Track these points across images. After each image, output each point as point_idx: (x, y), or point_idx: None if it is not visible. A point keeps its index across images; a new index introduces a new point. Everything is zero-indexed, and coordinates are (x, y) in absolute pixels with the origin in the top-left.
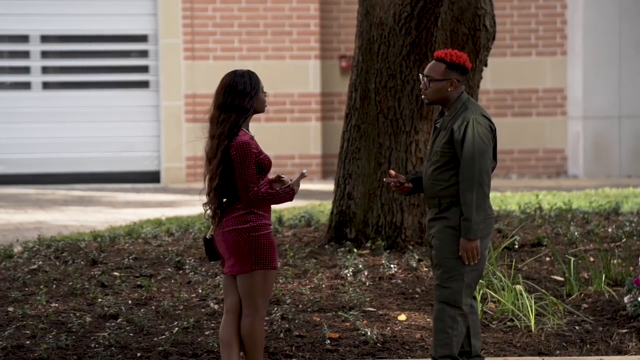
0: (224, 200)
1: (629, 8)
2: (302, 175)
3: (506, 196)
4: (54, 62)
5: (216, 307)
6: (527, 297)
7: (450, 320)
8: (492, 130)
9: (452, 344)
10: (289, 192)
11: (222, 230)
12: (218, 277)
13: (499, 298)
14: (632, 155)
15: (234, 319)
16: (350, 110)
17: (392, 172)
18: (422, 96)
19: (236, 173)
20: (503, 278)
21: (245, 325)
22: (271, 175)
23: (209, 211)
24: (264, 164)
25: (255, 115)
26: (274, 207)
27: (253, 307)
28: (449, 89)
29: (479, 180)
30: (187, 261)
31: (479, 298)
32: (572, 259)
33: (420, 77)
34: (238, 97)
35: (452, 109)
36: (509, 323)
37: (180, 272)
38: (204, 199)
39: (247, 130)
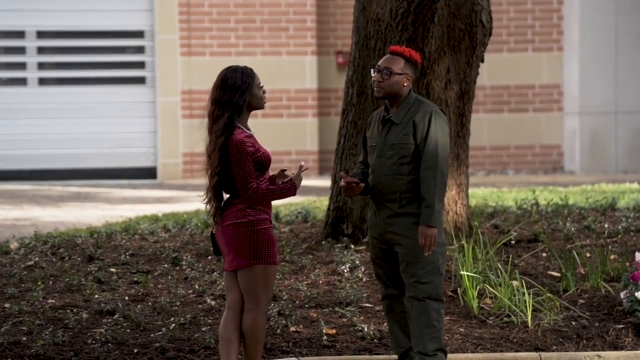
0: (226, 196)
1: (625, 3)
2: (302, 168)
3: (503, 192)
4: (50, 58)
5: (213, 303)
6: (524, 293)
7: (435, 313)
8: (448, 123)
9: (440, 337)
10: (290, 188)
11: (222, 225)
12: (215, 273)
13: (496, 294)
14: (628, 151)
15: (234, 316)
16: (347, 106)
17: (342, 174)
18: (376, 89)
19: (234, 170)
20: (500, 274)
21: (247, 320)
22: (273, 171)
23: (210, 208)
24: (263, 160)
25: (253, 112)
26: (276, 203)
27: (255, 302)
28: (405, 84)
29: (441, 170)
30: (184, 257)
31: (475, 294)
32: (572, 253)
33: (372, 70)
34: (228, 91)
35: (404, 104)
36: (505, 319)
37: (177, 268)
38: (204, 194)
39: (245, 127)
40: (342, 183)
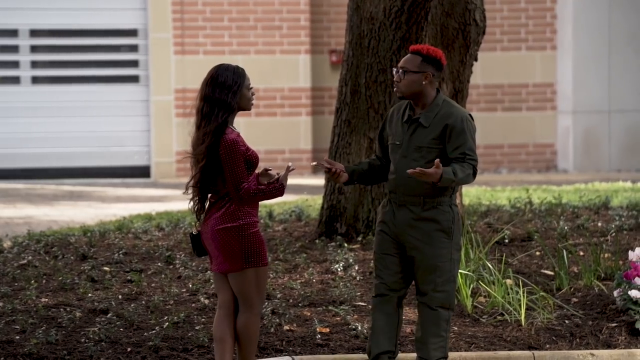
0: (209, 195)
1: (619, 1)
2: (289, 169)
3: (496, 190)
4: (43, 57)
5: (207, 302)
6: (517, 292)
7: (445, 323)
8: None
9: (446, 346)
10: (279, 188)
11: (212, 229)
12: (208, 272)
13: (490, 292)
14: (621, 149)
15: (227, 315)
16: (341, 104)
17: (327, 160)
18: (395, 89)
19: (226, 171)
20: (493, 272)
21: (241, 321)
22: (258, 169)
23: (193, 205)
24: (252, 159)
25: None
26: (264, 202)
27: (248, 304)
28: (424, 82)
29: (473, 166)
30: (178, 256)
31: (469, 292)
32: (565, 252)
33: (394, 70)
34: (218, 89)
35: (432, 105)
36: (499, 317)
37: (171, 267)
38: (191, 193)
39: (232, 126)
40: (323, 168)
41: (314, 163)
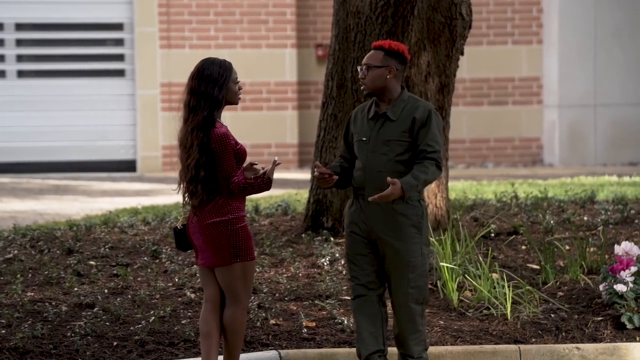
0: (204, 191)
1: None
2: (275, 163)
3: (482, 185)
4: (28, 51)
5: (193, 296)
6: (503, 286)
7: (420, 317)
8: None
9: (425, 339)
10: (267, 182)
11: (201, 223)
12: (195, 266)
13: (476, 286)
14: (607, 143)
15: (213, 309)
16: (327, 99)
17: (317, 164)
18: (362, 87)
19: (218, 166)
20: (479, 266)
21: (228, 315)
22: (245, 163)
23: (194, 200)
24: (241, 154)
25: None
26: (250, 196)
27: (235, 299)
28: (388, 77)
29: (437, 163)
30: (164, 250)
31: (455, 286)
32: (551, 246)
33: (359, 68)
34: (204, 82)
35: (399, 101)
36: (485, 311)
37: (157, 261)
38: (179, 188)
39: (220, 121)
40: (315, 173)
41: (317, 164)
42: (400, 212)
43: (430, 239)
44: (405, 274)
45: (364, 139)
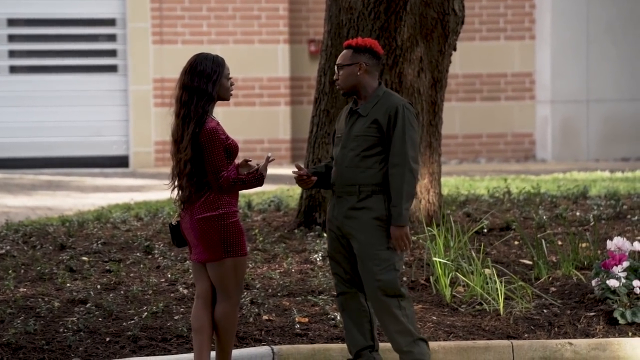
0: (194, 186)
1: None
2: (268, 159)
3: (475, 180)
4: (21, 46)
5: (185, 291)
6: (496, 281)
7: (398, 309)
8: (417, 121)
9: (410, 330)
10: (259, 178)
11: (192, 218)
12: (187, 261)
13: (468, 282)
14: (599, 139)
15: (204, 305)
16: (320, 94)
17: (299, 165)
18: (337, 87)
19: (205, 159)
20: (472, 262)
21: (219, 311)
22: (238, 160)
23: (182, 195)
24: (232, 148)
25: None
26: (243, 192)
27: (226, 294)
28: (358, 73)
29: (410, 167)
30: (156, 246)
31: (447, 282)
32: (544, 241)
33: (336, 70)
34: (197, 77)
35: (373, 97)
36: (477, 307)
37: (149, 256)
38: (171, 183)
39: (212, 115)
40: (294, 175)
41: (295, 167)
42: (365, 206)
43: (424, 234)
44: (370, 267)
45: (339, 135)
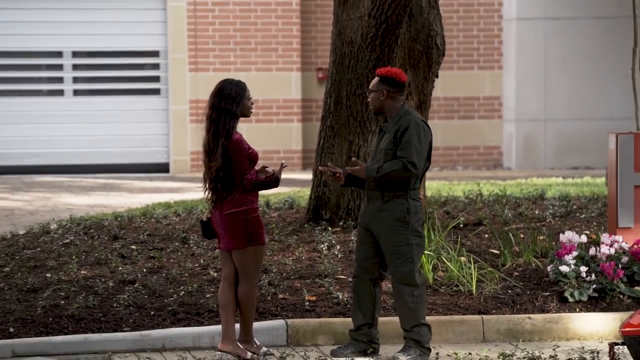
0: (223, 188)
1: (552, 31)
2: (282, 166)
3: (453, 184)
4: (82, 74)
5: (215, 274)
6: (470, 267)
7: (410, 297)
8: (429, 135)
9: (416, 314)
10: (275, 181)
11: (221, 213)
12: (216, 250)
13: (447, 267)
14: (554, 151)
15: (229, 286)
16: (326, 113)
17: (329, 165)
18: (369, 105)
19: (233, 166)
20: (450, 251)
21: (242, 291)
22: (258, 166)
23: (212, 196)
24: (253, 157)
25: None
26: (262, 192)
27: (247, 277)
28: (381, 98)
29: (411, 161)
30: (191, 237)
31: (430, 267)
32: (509, 234)
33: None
34: (224, 99)
35: (395, 116)
36: (454, 288)
37: (186, 246)
38: (203, 185)
39: (237, 130)
40: (327, 172)
41: (321, 168)
42: (386, 208)
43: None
44: (392, 261)
45: (372, 149)
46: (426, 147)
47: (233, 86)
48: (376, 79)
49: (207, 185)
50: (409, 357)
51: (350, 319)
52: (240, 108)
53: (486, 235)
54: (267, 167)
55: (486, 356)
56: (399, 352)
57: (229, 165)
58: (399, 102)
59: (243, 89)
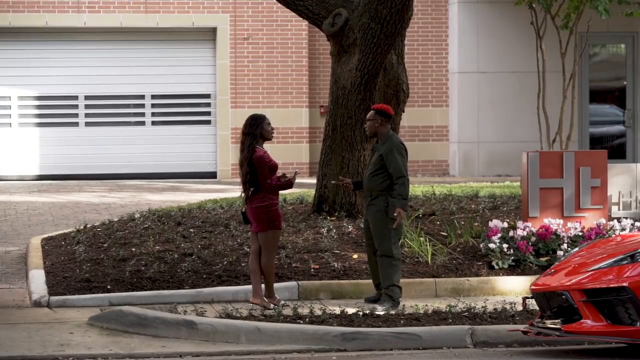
0: (251, 189)
1: (483, 81)
2: (296, 173)
3: (415, 187)
4: (158, 110)
5: (247, 249)
6: (427, 245)
7: (387, 265)
8: (405, 150)
9: (392, 277)
10: (289, 184)
11: (250, 206)
12: (249, 232)
13: (411, 245)
14: (485, 163)
15: (255, 257)
16: (326, 137)
17: (340, 178)
18: (366, 131)
19: (258, 174)
20: (413, 234)
21: (264, 262)
22: (278, 173)
23: (244, 196)
24: (273, 167)
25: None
26: (281, 192)
27: (268, 251)
28: (376, 125)
29: (403, 178)
30: (232, 223)
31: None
32: (454, 222)
33: (366, 120)
34: (248, 127)
35: (382, 139)
36: (415, 259)
37: (228, 229)
38: (240, 188)
39: (262, 147)
40: (341, 183)
41: (333, 182)
42: (373, 203)
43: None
44: (376, 239)
45: (368, 162)
46: (406, 158)
47: (255, 118)
48: (372, 112)
49: (242, 188)
50: (384, 307)
51: (342, 281)
52: (260, 131)
53: (438, 222)
54: (284, 174)
55: (437, 306)
56: (374, 301)
57: (255, 173)
58: (387, 128)
59: (262, 119)
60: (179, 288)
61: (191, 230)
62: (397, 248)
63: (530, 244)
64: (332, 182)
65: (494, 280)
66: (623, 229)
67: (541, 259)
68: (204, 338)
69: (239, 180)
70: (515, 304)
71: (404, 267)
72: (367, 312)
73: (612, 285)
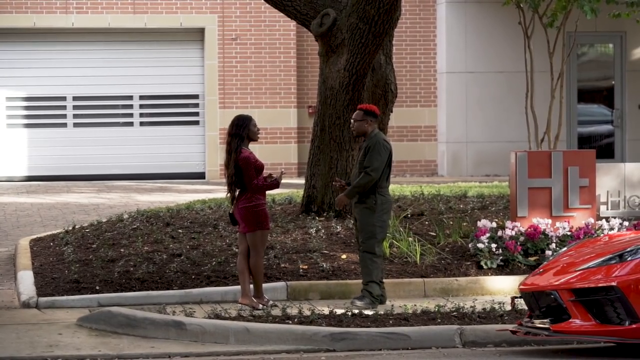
0: (238, 190)
1: (471, 81)
2: (282, 173)
3: (403, 187)
4: (146, 110)
5: (236, 250)
6: (415, 244)
7: (369, 261)
8: (389, 149)
9: (371, 273)
10: (276, 184)
11: (238, 207)
12: (237, 233)
13: (399, 245)
14: (473, 163)
15: (244, 258)
16: (314, 137)
17: (337, 179)
18: (353, 131)
19: (244, 175)
20: (402, 233)
21: (252, 262)
22: (265, 173)
23: (230, 196)
24: (259, 167)
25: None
26: (269, 192)
27: (256, 252)
28: (365, 126)
29: (370, 173)
30: (220, 224)
31: (388, 245)
32: (442, 222)
33: (352, 121)
34: (234, 127)
35: (368, 139)
36: (404, 259)
37: (216, 230)
38: (226, 189)
39: (248, 148)
40: (336, 184)
41: (335, 182)
42: (361, 201)
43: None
44: (361, 235)
45: (356, 162)
46: (386, 157)
47: (241, 119)
48: (361, 112)
49: (227, 189)
50: (362, 302)
51: (331, 281)
52: (246, 132)
53: (426, 222)
54: (271, 174)
55: (426, 306)
56: (355, 297)
57: (241, 174)
58: (374, 126)
59: (248, 120)
60: (167, 289)
61: (180, 230)
62: (380, 246)
63: (518, 243)
64: (334, 182)
65: (482, 280)
66: (611, 229)
67: (530, 258)
68: (192, 339)
69: (225, 181)
70: (504, 303)
71: (392, 267)
72: (356, 312)
73: (600, 285)
